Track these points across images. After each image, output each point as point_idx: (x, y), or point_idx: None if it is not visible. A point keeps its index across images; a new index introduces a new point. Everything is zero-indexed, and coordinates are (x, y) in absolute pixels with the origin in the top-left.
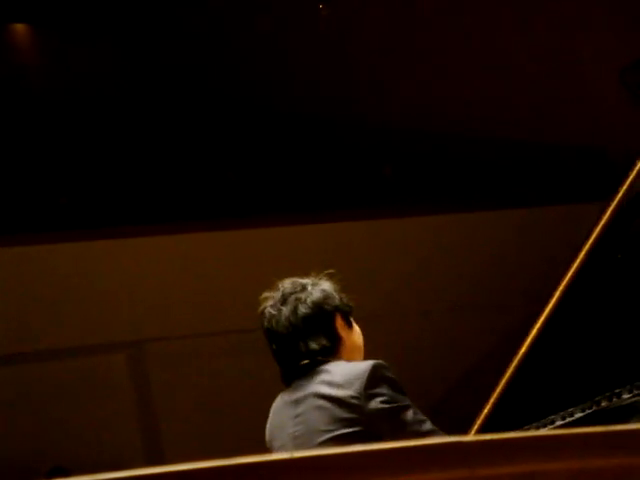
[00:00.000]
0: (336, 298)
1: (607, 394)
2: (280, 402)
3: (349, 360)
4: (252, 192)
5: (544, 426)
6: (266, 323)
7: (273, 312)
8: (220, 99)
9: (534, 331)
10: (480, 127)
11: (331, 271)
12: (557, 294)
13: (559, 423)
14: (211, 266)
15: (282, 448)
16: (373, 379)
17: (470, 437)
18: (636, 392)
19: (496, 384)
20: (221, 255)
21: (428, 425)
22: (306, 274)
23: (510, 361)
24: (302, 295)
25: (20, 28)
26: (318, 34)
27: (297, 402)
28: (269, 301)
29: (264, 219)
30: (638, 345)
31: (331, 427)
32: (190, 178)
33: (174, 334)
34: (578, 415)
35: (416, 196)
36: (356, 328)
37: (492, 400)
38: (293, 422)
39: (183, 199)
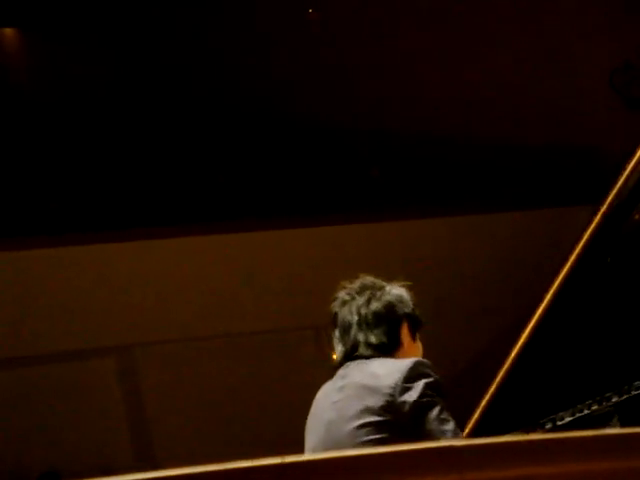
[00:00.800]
0: (410, 307)
1: (597, 398)
2: (324, 390)
3: None
4: (243, 196)
5: (535, 430)
6: (337, 307)
7: (346, 298)
8: (212, 102)
9: (525, 334)
10: (471, 129)
11: (409, 283)
12: (548, 297)
13: (549, 427)
14: (202, 270)
15: (314, 433)
16: (412, 373)
17: (461, 441)
18: (626, 395)
19: (487, 388)
20: (212, 259)
21: (450, 426)
22: (316, 275)
23: (501, 365)
24: (378, 292)
25: (8, 32)
26: (310, 37)
27: (339, 390)
28: (345, 290)
29: (257, 223)
30: (628, 348)
31: (362, 415)
32: (182, 181)
33: (164, 338)
34: (568, 419)
35: (407, 199)
36: (419, 343)
37: (483, 404)
38: (330, 408)
39: (175, 203)
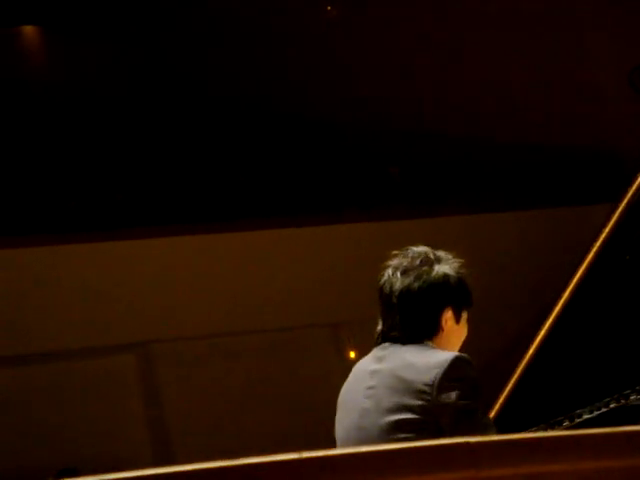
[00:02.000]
0: (453, 290)
1: (616, 396)
2: (359, 369)
3: (443, 348)
4: (261, 194)
5: (552, 427)
6: (381, 282)
7: (390, 274)
8: (227, 101)
9: (542, 332)
10: (488, 129)
11: (462, 260)
12: (565, 295)
13: (567, 424)
14: (220, 267)
15: (348, 416)
16: (451, 372)
17: (477, 438)
18: None
19: (504, 385)
20: (230, 257)
21: (491, 432)
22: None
23: (518, 363)
24: (424, 271)
25: (28, 30)
26: (324, 36)
27: (374, 373)
28: (394, 261)
29: (274, 221)
30: None
31: (398, 410)
32: (198, 180)
33: (183, 335)
34: (586, 416)
35: (426, 198)
36: (463, 326)
37: (500, 401)
38: (365, 393)
39: (191, 201)
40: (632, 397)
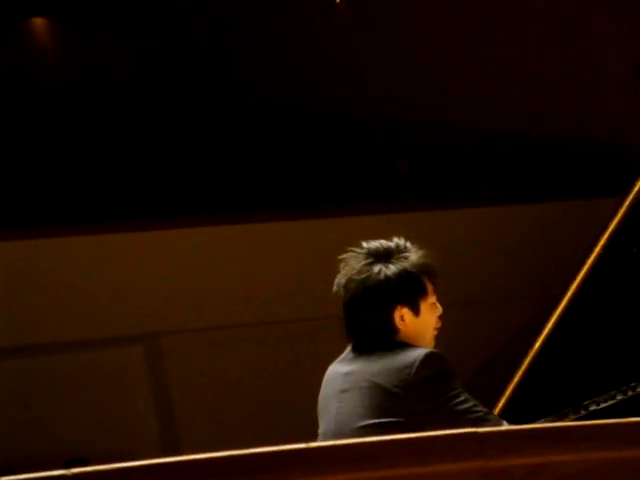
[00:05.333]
0: (396, 289)
1: (623, 387)
2: (332, 371)
3: (413, 342)
4: (269, 187)
5: (559, 419)
6: (335, 288)
7: (336, 287)
8: (236, 93)
9: (550, 325)
10: (497, 122)
11: (421, 250)
12: (573, 288)
13: (573, 416)
14: (228, 259)
15: (325, 424)
16: (423, 372)
17: (485, 429)
18: None
19: (511, 377)
20: (238, 249)
21: (479, 412)
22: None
23: (525, 355)
24: (362, 282)
25: (39, 22)
26: (331, 29)
27: (346, 375)
28: (341, 269)
29: (280, 213)
30: None
31: (371, 413)
32: (207, 172)
33: (191, 326)
34: (593, 408)
35: (432, 191)
36: (427, 315)
37: (507, 393)
38: (338, 397)
39: (199, 193)
40: (639, 389)
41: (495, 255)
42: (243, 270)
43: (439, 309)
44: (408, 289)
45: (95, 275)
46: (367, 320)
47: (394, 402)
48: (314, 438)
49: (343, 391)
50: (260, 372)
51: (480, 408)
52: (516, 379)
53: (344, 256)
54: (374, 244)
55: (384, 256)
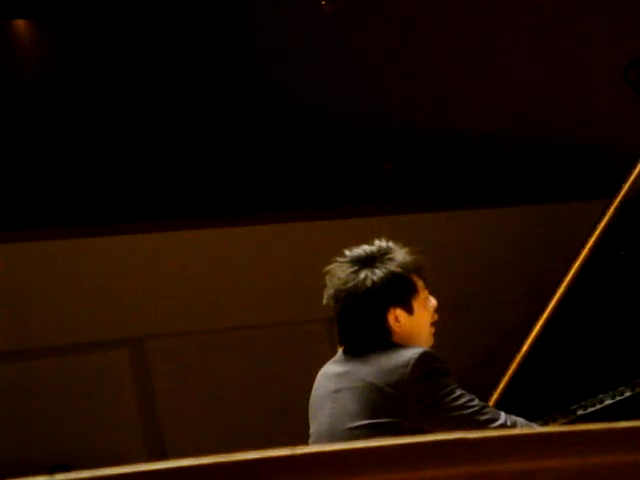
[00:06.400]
0: (390, 290)
1: (610, 392)
2: (324, 372)
3: (408, 343)
4: (253, 190)
5: (546, 424)
6: (325, 300)
7: (325, 298)
8: (223, 97)
9: (537, 328)
10: (482, 124)
11: (405, 249)
12: (560, 291)
13: (561, 421)
14: (213, 263)
15: (318, 426)
16: (417, 371)
17: (474, 433)
18: (638, 389)
19: (499, 381)
20: (223, 252)
21: (475, 407)
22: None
23: (512, 359)
24: (352, 290)
25: (20, 24)
26: (320, 32)
27: (339, 376)
28: (329, 279)
29: (268, 216)
30: None
31: (365, 413)
32: (192, 175)
33: (176, 330)
34: (580, 413)
35: (418, 193)
36: (421, 312)
37: (494, 398)
38: (331, 398)
39: (184, 196)
40: (626, 393)
41: (480, 258)
42: (231, 273)
43: (433, 303)
44: (397, 290)
45: (78, 279)
46: (361, 327)
47: (388, 402)
48: (304, 442)
49: (336, 391)
50: (248, 376)
51: (476, 402)
52: (503, 383)
53: (329, 267)
54: (357, 251)
55: (368, 261)
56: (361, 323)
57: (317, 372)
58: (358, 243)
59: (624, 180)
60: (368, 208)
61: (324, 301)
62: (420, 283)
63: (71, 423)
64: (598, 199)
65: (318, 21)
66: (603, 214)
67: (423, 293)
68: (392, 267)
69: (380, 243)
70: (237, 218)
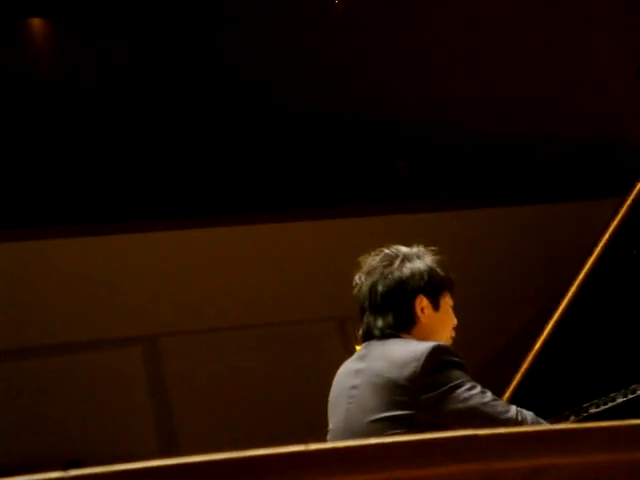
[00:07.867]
0: (423, 279)
1: (622, 390)
2: (344, 369)
3: (428, 338)
4: (265, 188)
5: (558, 422)
6: (354, 288)
7: (357, 281)
8: (234, 96)
9: (549, 327)
10: (492, 123)
11: (434, 248)
12: (572, 290)
13: (573, 419)
14: (227, 262)
15: (336, 421)
16: (430, 364)
17: (484, 431)
18: None
19: (511, 379)
20: (237, 250)
21: (486, 398)
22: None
23: (523, 359)
24: (386, 270)
25: (35, 22)
26: (330, 31)
27: (357, 372)
28: (363, 266)
29: (282, 214)
30: None
31: (381, 407)
32: (207, 173)
33: (189, 328)
34: (592, 411)
35: (425, 192)
36: (445, 313)
37: (507, 396)
38: (348, 393)
39: (197, 194)
40: (639, 391)
41: (489, 258)
42: (243, 272)
43: (454, 320)
44: (430, 281)
45: (92, 276)
46: (388, 308)
47: (403, 394)
48: (315, 439)
49: (353, 387)
50: (259, 373)
51: (487, 395)
52: (515, 381)
53: (360, 259)
54: (393, 248)
55: (405, 255)
56: (389, 301)
57: (329, 370)
58: (374, 242)
59: (636, 178)
60: (383, 207)
61: (354, 281)
62: (448, 293)
63: (85, 420)
64: (609, 197)
65: (329, 19)
66: (616, 212)
67: (450, 300)
68: (429, 262)
69: (416, 247)
70: (251, 216)
